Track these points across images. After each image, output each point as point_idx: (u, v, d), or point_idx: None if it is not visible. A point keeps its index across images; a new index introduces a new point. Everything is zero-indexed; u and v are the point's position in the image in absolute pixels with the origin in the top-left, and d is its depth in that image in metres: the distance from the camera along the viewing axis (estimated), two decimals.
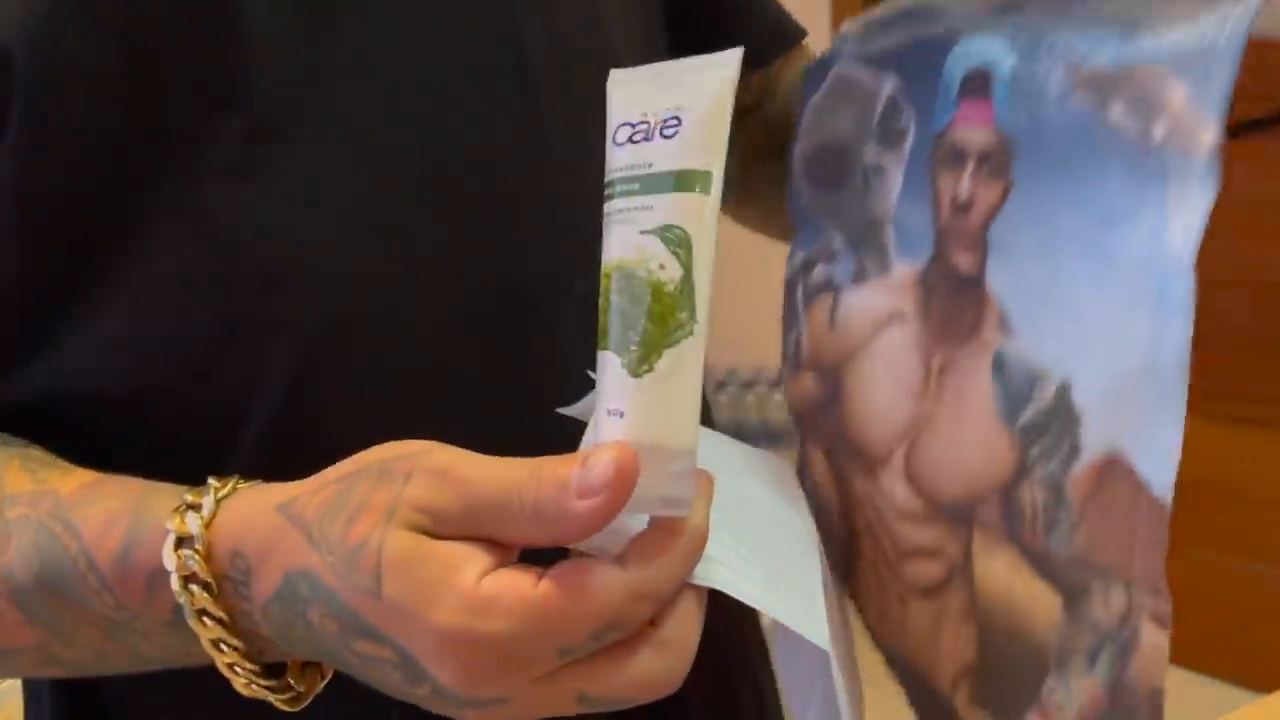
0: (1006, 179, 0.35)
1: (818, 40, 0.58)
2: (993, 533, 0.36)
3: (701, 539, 0.31)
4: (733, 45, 0.36)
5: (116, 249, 0.40)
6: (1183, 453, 0.29)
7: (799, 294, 0.48)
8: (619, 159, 0.34)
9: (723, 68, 0.34)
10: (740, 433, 2.47)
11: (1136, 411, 0.30)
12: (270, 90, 0.41)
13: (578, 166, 0.42)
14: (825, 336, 0.45)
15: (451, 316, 0.44)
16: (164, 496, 0.36)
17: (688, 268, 0.32)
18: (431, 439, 0.33)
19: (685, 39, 0.55)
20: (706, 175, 0.33)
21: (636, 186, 0.33)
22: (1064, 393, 0.32)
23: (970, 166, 0.37)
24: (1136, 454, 0.30)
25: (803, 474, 0.49)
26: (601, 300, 0.33)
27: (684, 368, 0.32)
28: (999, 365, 0.35)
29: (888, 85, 0.42)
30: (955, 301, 0.38)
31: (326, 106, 0.42)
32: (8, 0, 0.38)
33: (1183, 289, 0.29)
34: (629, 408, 0.31)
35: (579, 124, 0.42)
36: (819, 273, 0.47)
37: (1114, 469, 0.31)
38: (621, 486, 0.29)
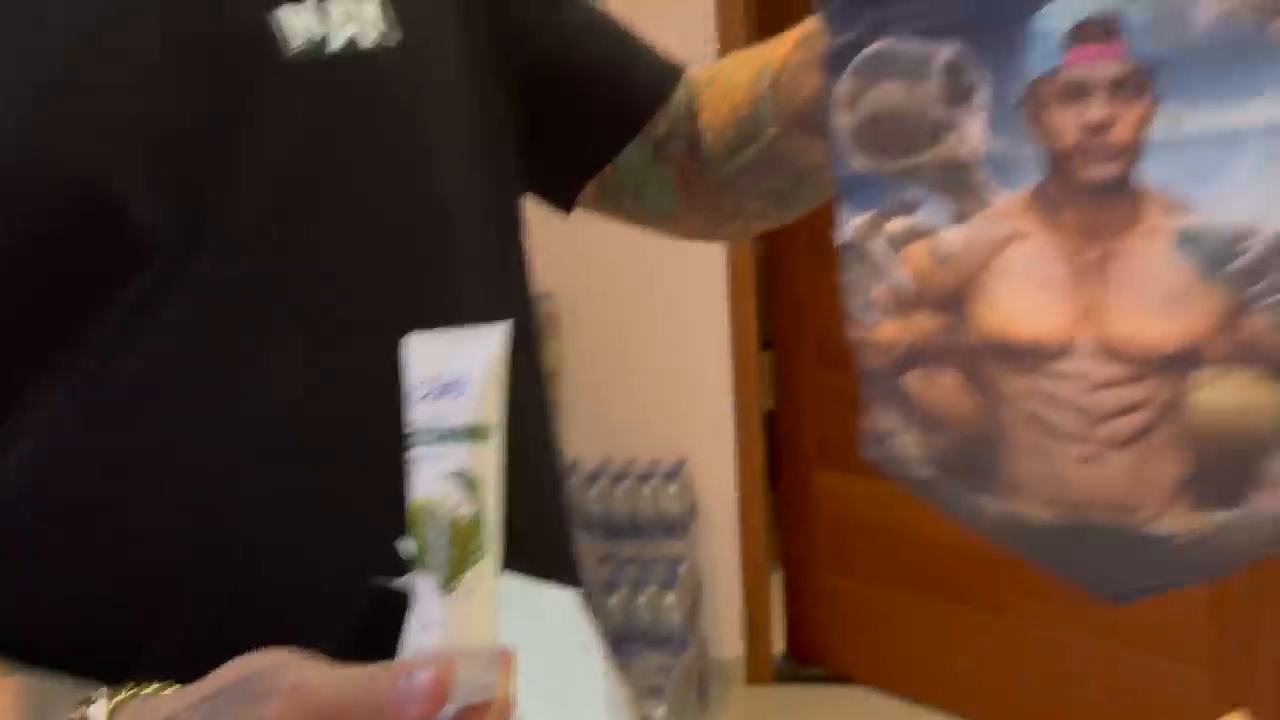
0: (1150, 96, 0.43)
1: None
2: (1219, 364, 0.43)
3: (508, 712, 0.40)
4: (628, 109, 0.58)
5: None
6: None
7: (878, 246, 0.52)
8: (418, 414, 0.44)
9: (497, 337, 0.45)
10: (610, 523, 2.58)
11: None
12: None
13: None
14: (934, 272, 0.51)
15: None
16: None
17: (481, 504, 0.43)
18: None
19: (569, 115, 0.68)
20: (488, 428, 0.43)
21: (434, 438, 0.43)
22: None
23: (1100, 95, 0.44)
24: None
25: (894, 399, 0.54)
26: (411, 530, 0.43)
27: (483, 581, 0.42)
28: (1186, 239, 0.43)
29: (944, 52, 0.48)
30: (1094, 205, 0.45)
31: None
32: None
33: None
34: (443, 618, 0.41)
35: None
36: (899, 224, 0.52)
37: None
38: (441, 689, 0.37)
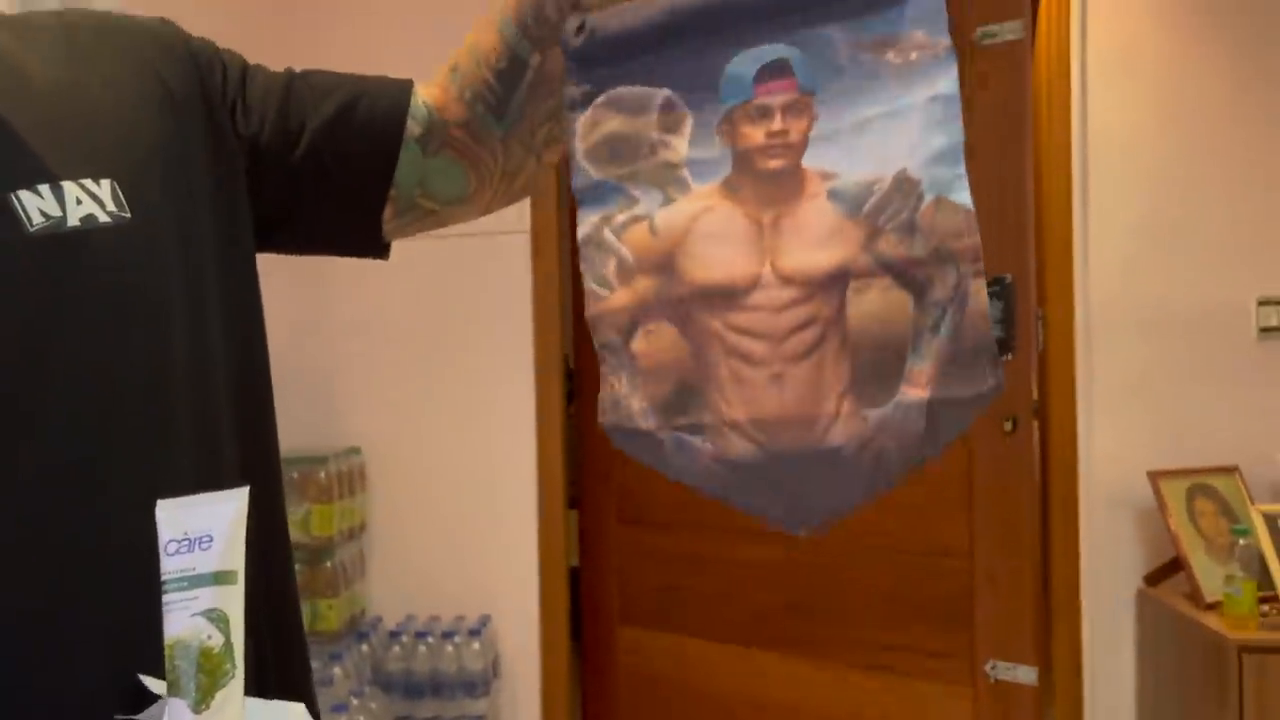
0: (812, 112, 0.60)
1: None
2: (863, 277, 0.58)
3: None
4: (381, 135, 0.75)
5: None
6: None
7: (606, 234, 0.66)
8: (170, 565, 0.53)
9: (237, 500, 0.55)
10: (410, 682, 2.57)
11: (945, 169, 0.56)
12: None
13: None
14: (649, 244, 0.64)
15: None
16: None
17: (227, 635, 0.52)
18: None
19: (336, 170, 0.79)
20: (235, 573, 0.53)
21: (186, 584, 0.53)
22: (900, 176, 0.57)
23: (778, 114, 0.61)
24: (952, 192, 0.55)
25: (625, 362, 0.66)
26: (167, 664, 0.52)
27: (232, 700, 0.52)
28: (834, 194, 0.59)
29: (659, 95, 0.65)
30: (771, 185, 0.61)
31: None
32: None
33: (952, 105, 0.56)
34: None
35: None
36: (621, 217, 0.66)
37: (940, 203, 0.56)
38: None
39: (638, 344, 0.64)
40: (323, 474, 2.44)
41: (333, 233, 0.82)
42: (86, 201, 0.63)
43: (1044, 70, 2.54)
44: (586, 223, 0.66)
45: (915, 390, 0.56)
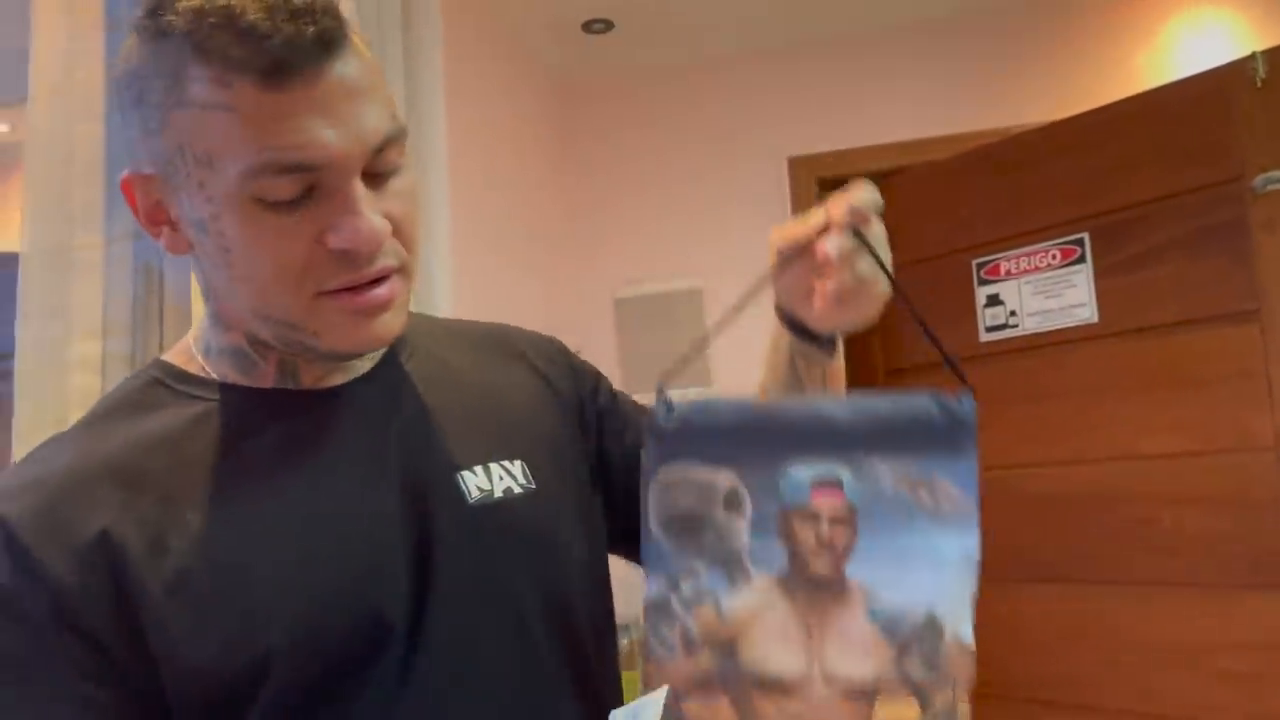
0: (854, 527, 0.68)
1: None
2: (891, 690, 0.67)
3: None
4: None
5: None
6: None
7: (675, 605, 0.73)
8: None
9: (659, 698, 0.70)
10: None
11: (964, 617, 0.66)
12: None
13: None
14: (715, 626, 0.71)
15: None
16: None
17: None
18: None
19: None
20: None
21: None
22: (931, 615, 0.66)
23: (825, 522, 0.69)
24: (965, 637, 0.65)
25: None
26: None
27: None
28: (874, 614, 0.67)
29: (724, 478, 0.71)
30: (821, 591, 0.69)
31: None
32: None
33: (975, 566, 0.66)
34: None
35: None
36: (688, 588, 0.72)
37: (958, 644, 0.66)
38: None
39: (693, 709, 0.71)
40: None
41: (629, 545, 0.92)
42: (505, 478, 0.83)
43: None
44: (655, 586, 0.73)
45: None
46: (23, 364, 1.46)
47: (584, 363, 1.01)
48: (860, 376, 2.87)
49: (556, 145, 3.32)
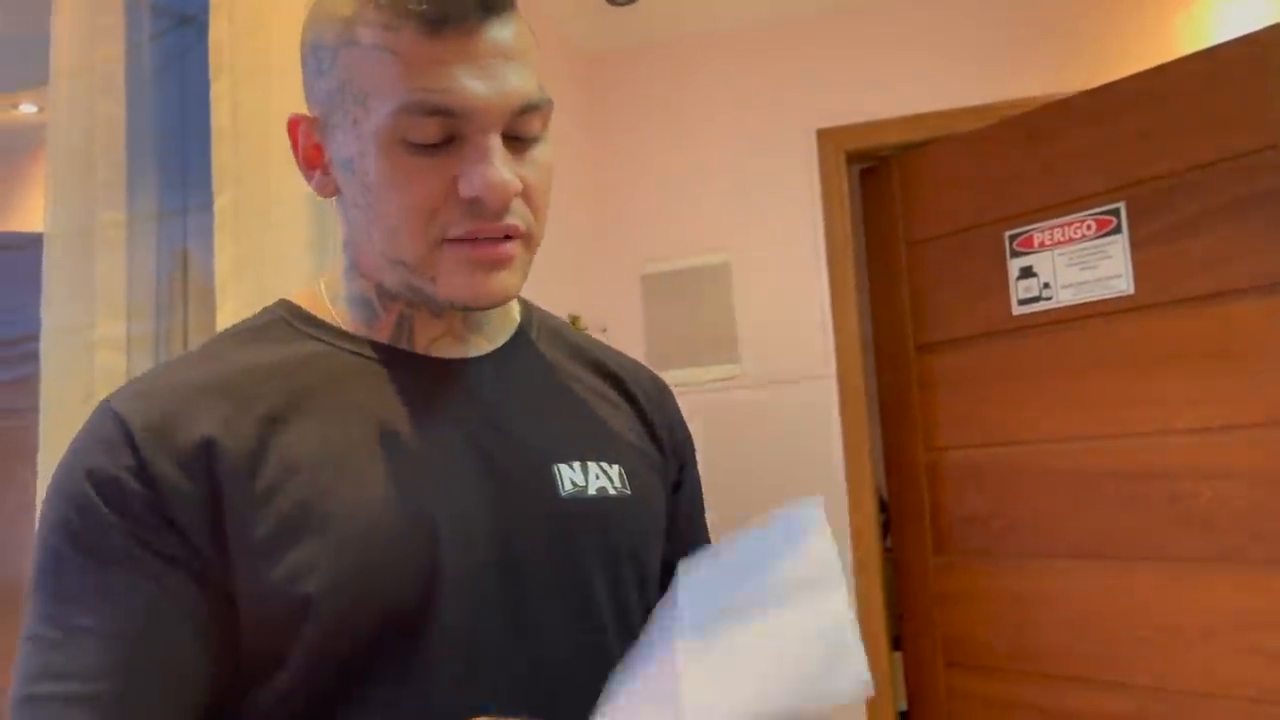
0: None
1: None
2: None
3: None
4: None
5: None
6: None
7: None
8: None
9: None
10: None
11: None
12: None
13: None
14: None
15: None
16: None
17: None
18: None
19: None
20: None
21: None
22: None
23: None
24: None
25: None
26: None
27: None
28: None
29: None
30: None
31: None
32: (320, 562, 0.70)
33: None
34: None
35: None
36: None
37: None
38: None
39: None
40: None
41: None
42: (601, 477, 0.84)
43: None
44: None
45: None
46: (48, 343, 1.46)
47: (686, 431, 1.02)
48: (890, 350, 2.86)
49: (581, 119, 3.29)
